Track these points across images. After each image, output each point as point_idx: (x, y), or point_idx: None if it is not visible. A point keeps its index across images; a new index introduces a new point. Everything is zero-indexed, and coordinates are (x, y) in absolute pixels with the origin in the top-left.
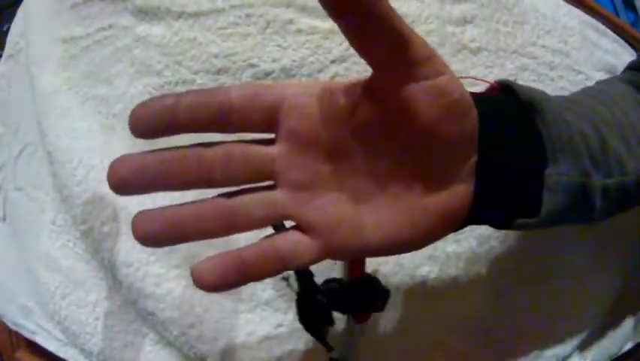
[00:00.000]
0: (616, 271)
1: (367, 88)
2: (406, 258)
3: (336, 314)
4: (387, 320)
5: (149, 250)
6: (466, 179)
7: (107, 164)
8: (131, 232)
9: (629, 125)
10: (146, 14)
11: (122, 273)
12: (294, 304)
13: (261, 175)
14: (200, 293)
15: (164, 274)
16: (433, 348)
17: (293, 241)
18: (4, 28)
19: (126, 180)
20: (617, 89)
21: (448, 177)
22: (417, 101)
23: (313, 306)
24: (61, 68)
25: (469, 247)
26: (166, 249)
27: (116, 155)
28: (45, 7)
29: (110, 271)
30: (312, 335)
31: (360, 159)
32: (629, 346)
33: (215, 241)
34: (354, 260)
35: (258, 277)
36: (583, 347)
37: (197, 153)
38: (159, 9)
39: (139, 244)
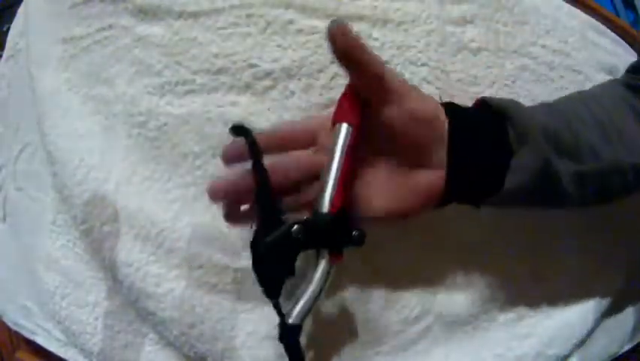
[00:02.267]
0: (616, 271)
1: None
2: (403, 250)
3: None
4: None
5: (149, 250)
6: (438, 166)
7: (107, 164)
8: (131, 232)
9: (609, 122)
10: (146, 14)
11: (123, 273)
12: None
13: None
14: (200, 293)
15: (164, 274)
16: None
17: None
18: (4, 29)
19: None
20: (608, 90)
21: (422, 165)
22: (392, 118)
23: (280, 244)
24: (61, 68)
25: (467, 245)
26: (166, 249)
27: (116, 155)
28: (45, 7)
29: (110, 271)
30: (266, 290)
31: (366, 153)
32: (629, 346)
33: (214, 241)
34: (336, 194)
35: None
36: (583, 346)
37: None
38: (159, 9)
39: (139, 244)
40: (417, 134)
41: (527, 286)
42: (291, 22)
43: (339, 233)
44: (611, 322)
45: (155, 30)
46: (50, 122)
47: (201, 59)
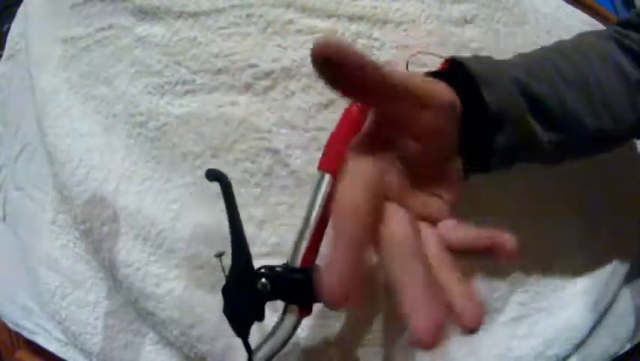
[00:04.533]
0: (616, 271)
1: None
2: None
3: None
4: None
5: (149, 250)
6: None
7: (107, 164)
8: (131, 232)
9: (596, 85)
10: (146, 14)
11: (122, 273)
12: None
13: None
14: (200, 293)
15: (164, 274)
16: None
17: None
18: (4, 28)
19: None
20: (593, 44)
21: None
22: (417, 117)
23: (248, 293)
24: (61, 68)
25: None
26: (166, 249)
27: (116, 155)
28: (45, 7)
29: (110, 271)
30: (235, 331)
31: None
32: (629, 346)
33: (214, 241)
34: (310, 247)
35: None
36: (583, 346)
37: None
38: (159, 9)
39: (139, 244)
40: (448, 127)
41: (527, 287)
42: (291, 22)
43: (308, 289)
44: (612, 322)
45: (155, 30)
46: (50, 122)
47: (201, 59)
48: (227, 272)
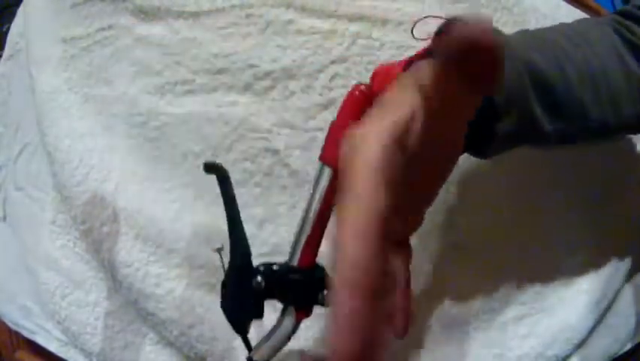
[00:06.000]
0: (616, 271)
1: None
2: None
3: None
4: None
5: (149, 250)
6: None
7: (107, 164)
8: (131, 232)
9: (602, 76)
10: (146, 14)
11: (122, 273)
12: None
13: None
14: (200, 293)
15: (164, 274)
16: None
17: None
18: (4, 29)
19: None
20: (597, 32)
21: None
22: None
23: (245, 290)
24: (61, 68)
25: (467, 245)
26: (166, 249)
27: (116, 155)
28: (45, 7)
29: (110, 271)
30: (233, 326)
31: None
32: (629, 346)
33: (214, 241)
34: (308, 244)
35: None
36: (583, 346)
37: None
38: (159, 9)
39: (139, 244)
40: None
41: (527, 287)
42: (290, 22)
43: (307, 290)
44: (612, 322)
45: (155, 30)
46: (50, 123)
47: (201, 59)
48: (226, 267)
